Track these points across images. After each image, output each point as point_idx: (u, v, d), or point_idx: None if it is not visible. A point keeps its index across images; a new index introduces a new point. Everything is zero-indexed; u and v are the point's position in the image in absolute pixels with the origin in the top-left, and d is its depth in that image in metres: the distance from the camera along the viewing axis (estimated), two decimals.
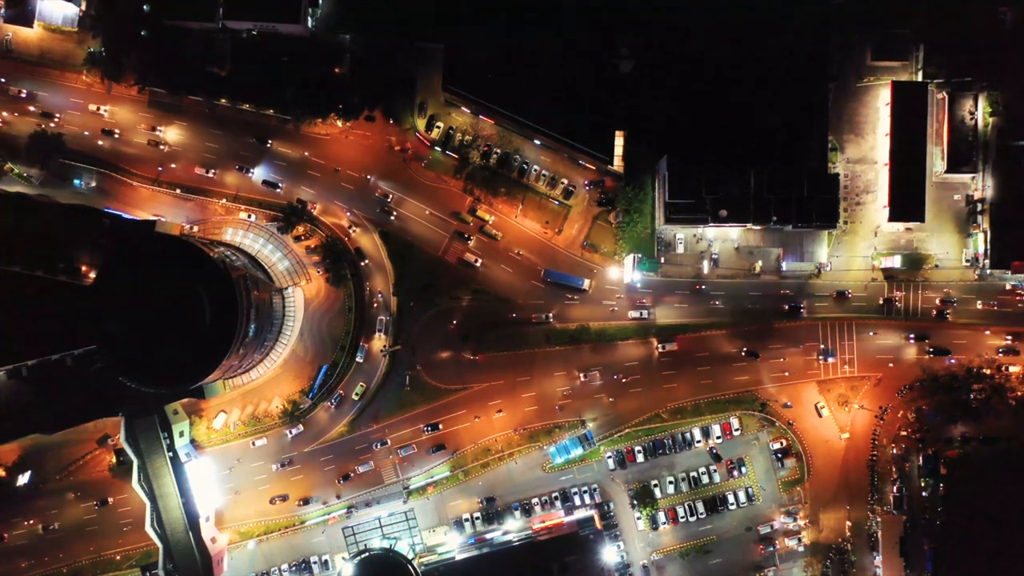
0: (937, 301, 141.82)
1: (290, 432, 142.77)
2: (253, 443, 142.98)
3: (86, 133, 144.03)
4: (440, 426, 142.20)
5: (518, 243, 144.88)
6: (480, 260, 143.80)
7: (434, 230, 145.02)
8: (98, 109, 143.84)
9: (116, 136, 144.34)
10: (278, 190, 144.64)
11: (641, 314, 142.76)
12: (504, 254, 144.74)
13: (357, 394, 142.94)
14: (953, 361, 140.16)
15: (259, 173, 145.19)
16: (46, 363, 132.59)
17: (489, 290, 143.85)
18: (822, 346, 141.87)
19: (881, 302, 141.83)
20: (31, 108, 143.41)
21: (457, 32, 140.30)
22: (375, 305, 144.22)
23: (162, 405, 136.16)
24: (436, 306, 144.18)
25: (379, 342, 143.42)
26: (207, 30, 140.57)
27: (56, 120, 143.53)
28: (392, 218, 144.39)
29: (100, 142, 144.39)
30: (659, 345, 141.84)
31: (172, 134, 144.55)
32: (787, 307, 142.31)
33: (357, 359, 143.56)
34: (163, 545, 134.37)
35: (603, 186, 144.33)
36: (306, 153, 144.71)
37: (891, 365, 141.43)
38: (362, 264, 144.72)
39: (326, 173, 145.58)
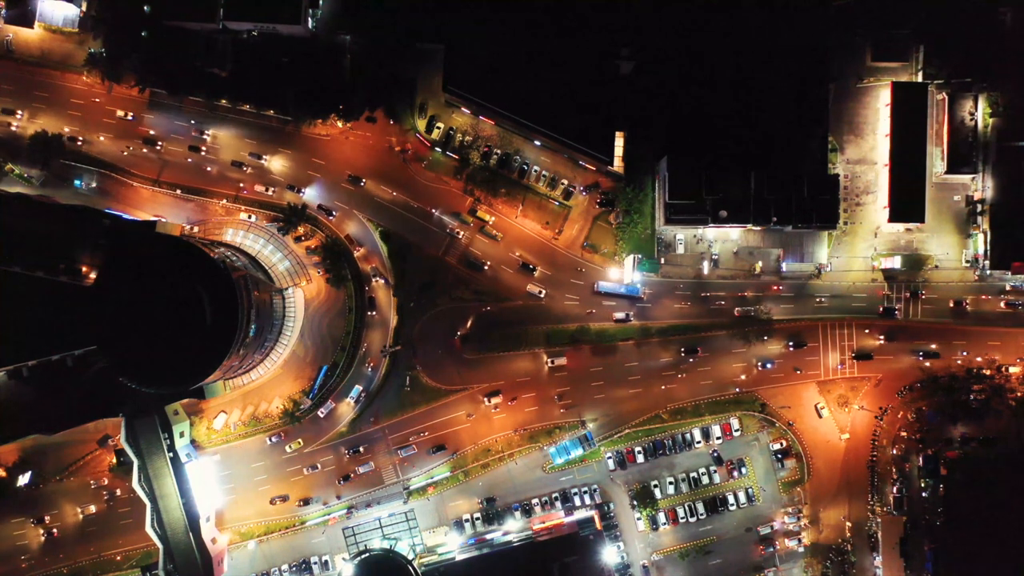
0: (1002, 304, 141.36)
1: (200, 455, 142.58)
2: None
3: (189, 160, 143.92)
4: (361, 449, 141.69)
5: (519, 244, 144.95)
6: (545, 291, 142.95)
7: (435, 230, 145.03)
8: (202, 133, 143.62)
9: (203, 153, 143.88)
10: (331, 217, 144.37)
11: (750, 311, 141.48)
12: (507, 255, 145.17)
13: (291, 448, 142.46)
14: (827, 366, 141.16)
15: (311, 194, 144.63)
16: (46, 363, 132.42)
17: (490, 290, 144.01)
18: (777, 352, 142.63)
19: (952, 305, 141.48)
20: (151, 132, 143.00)
21: (457, 33, 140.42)
22: (366, 366, 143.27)
23: (162, 406, 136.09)
24: (436, 306, 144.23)
25: (346, 407, 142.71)
26: (208, 31, 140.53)
27: (160, 147, 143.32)
28: (486, 269, 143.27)
29: (207, 165, 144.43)
30: (548, 359, 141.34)
31: (276, 163, 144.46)
32: (882, 309, 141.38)
33: (319, 413, 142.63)
34: (163, 546, 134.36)
35: (599, 189, 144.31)
36: (394, 193, 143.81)
37: (797, 372, 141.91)
38: (370, 314, 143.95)
39: (327, 173, 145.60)
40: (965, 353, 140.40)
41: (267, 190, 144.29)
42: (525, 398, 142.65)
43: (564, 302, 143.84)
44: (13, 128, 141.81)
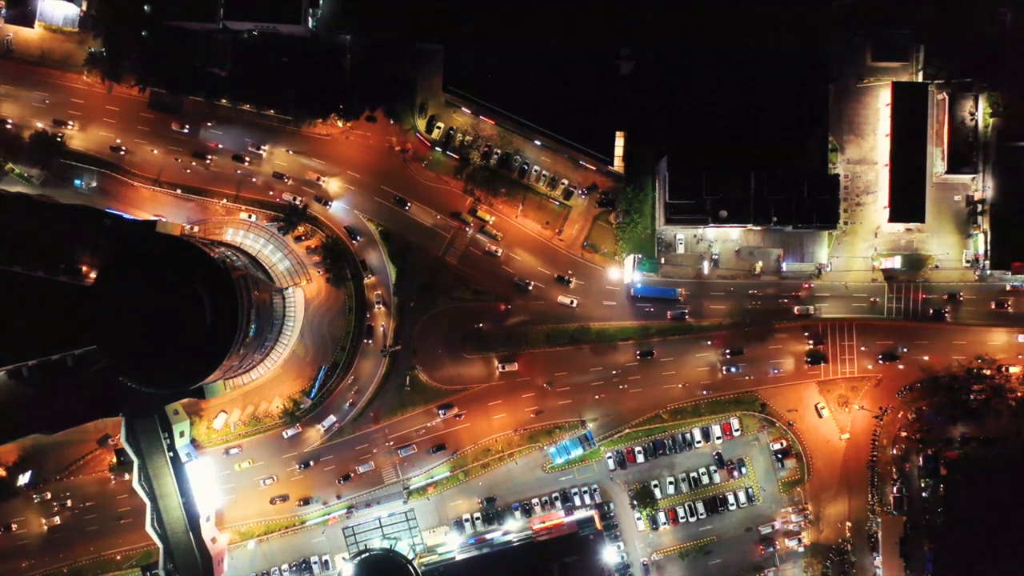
0: None
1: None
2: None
3: (238, 172, 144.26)
4: (312, 463, 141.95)
5: (519, 243, 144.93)
6: (577, 301, 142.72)
7: (435, 230, 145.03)
8: (258, 148, 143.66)
9: (247, 163, 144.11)
10: (356, 241, 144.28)
11: (807, 309, 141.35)
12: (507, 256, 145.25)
13: (240, 466, 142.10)
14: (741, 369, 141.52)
15: (339, 211, 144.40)
16: (46, 363, 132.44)
17: (493, 291, 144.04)
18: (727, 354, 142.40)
19: (993, 306, 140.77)
20: (218, 145, 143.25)
21: (458, 33, 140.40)
22: (351, 396, 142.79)
23: (162, 405, 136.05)
24: (436, 306, 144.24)
25: (315, 433, 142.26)
26: (208, 30, 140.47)
27: (209, 160, 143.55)
28: (531, 289, 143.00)
29: (252, 176, 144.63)
30: (500, 365, 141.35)
31: (334, 184, 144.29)
32: (932, 311, 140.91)
33: (283, 434, 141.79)
34: (163, 545, 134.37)
35: (599, 190, 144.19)
36: (438, 216, 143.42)
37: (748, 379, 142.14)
38: (366, 342, 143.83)
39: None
40: (905, 350, 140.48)
41: (295, 199, 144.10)
42: (525, 398, 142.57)
43: (561, 303, 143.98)
44: (59, 139, 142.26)
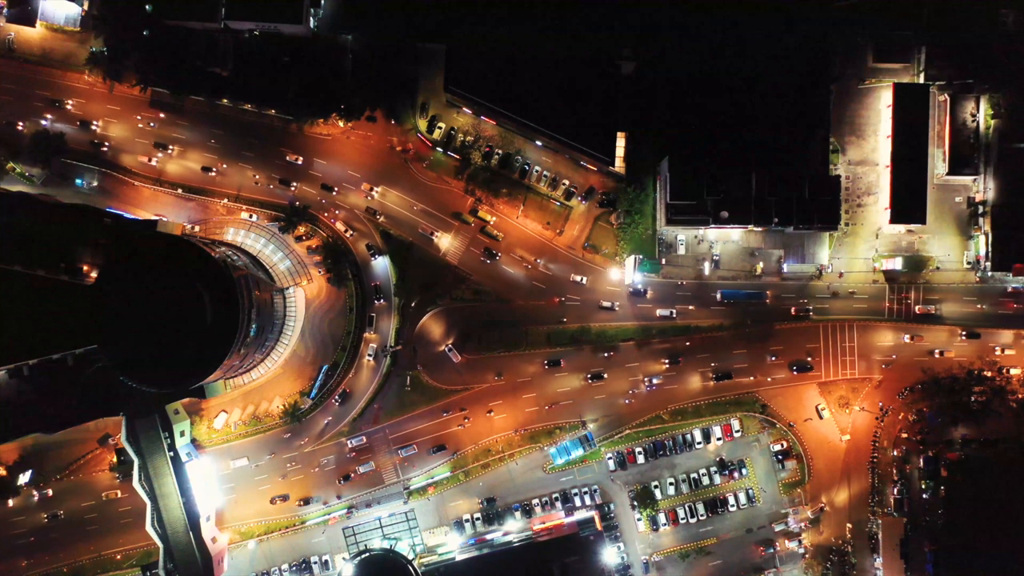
0: None
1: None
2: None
3: (322, 201, 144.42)
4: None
5: (519, 244, 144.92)
6: (618, 304, 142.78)
7: (435, 230, 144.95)
8: (370, 190, 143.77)
9: (335, 193, 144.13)
10: (378, 302, 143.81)
11: (930, 309, 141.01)
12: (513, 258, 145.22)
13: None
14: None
15: (380, 261, 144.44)
16: (47, 363, 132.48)
17: (490, 289, 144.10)
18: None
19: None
20: (319, 174, 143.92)
21: (459, 33, 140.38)
22: (296, 444, 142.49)
23: (163, 405, 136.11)
24: (436, 306, 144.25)
25: (225, 465, 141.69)
26: (209, 30, 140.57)
27: (294, 187, 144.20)
28: (613, 307, 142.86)
29: (336, 207, 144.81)
30: (449, 347, 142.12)
31: (446, 240, 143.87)
32: None
33: (187, 456, 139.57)
34: (163, 545, 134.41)
35: (598, 193, 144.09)
36: (525, 268, 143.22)
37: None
38: (331, 401, 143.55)
39: (328, 175, 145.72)
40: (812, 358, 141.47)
41: (346, 231, 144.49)
42: (525, 398, 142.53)
43: (565, 302, 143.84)
44: (153, 163, 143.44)
